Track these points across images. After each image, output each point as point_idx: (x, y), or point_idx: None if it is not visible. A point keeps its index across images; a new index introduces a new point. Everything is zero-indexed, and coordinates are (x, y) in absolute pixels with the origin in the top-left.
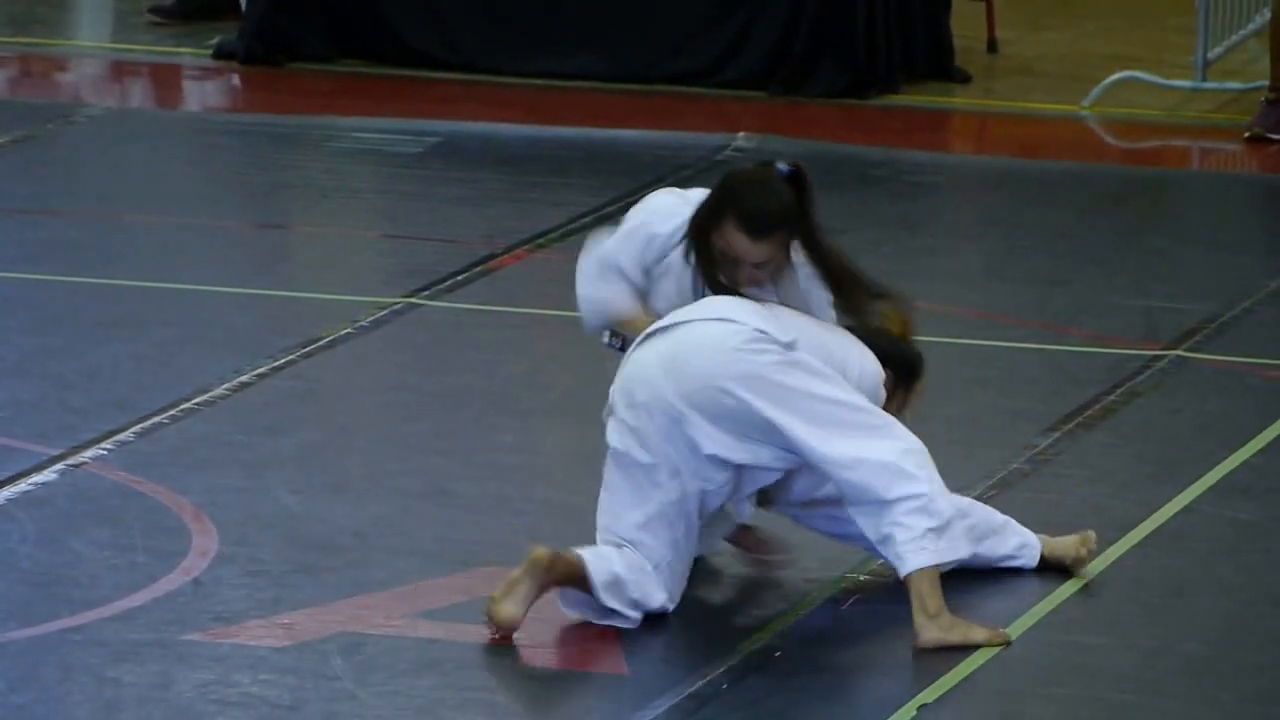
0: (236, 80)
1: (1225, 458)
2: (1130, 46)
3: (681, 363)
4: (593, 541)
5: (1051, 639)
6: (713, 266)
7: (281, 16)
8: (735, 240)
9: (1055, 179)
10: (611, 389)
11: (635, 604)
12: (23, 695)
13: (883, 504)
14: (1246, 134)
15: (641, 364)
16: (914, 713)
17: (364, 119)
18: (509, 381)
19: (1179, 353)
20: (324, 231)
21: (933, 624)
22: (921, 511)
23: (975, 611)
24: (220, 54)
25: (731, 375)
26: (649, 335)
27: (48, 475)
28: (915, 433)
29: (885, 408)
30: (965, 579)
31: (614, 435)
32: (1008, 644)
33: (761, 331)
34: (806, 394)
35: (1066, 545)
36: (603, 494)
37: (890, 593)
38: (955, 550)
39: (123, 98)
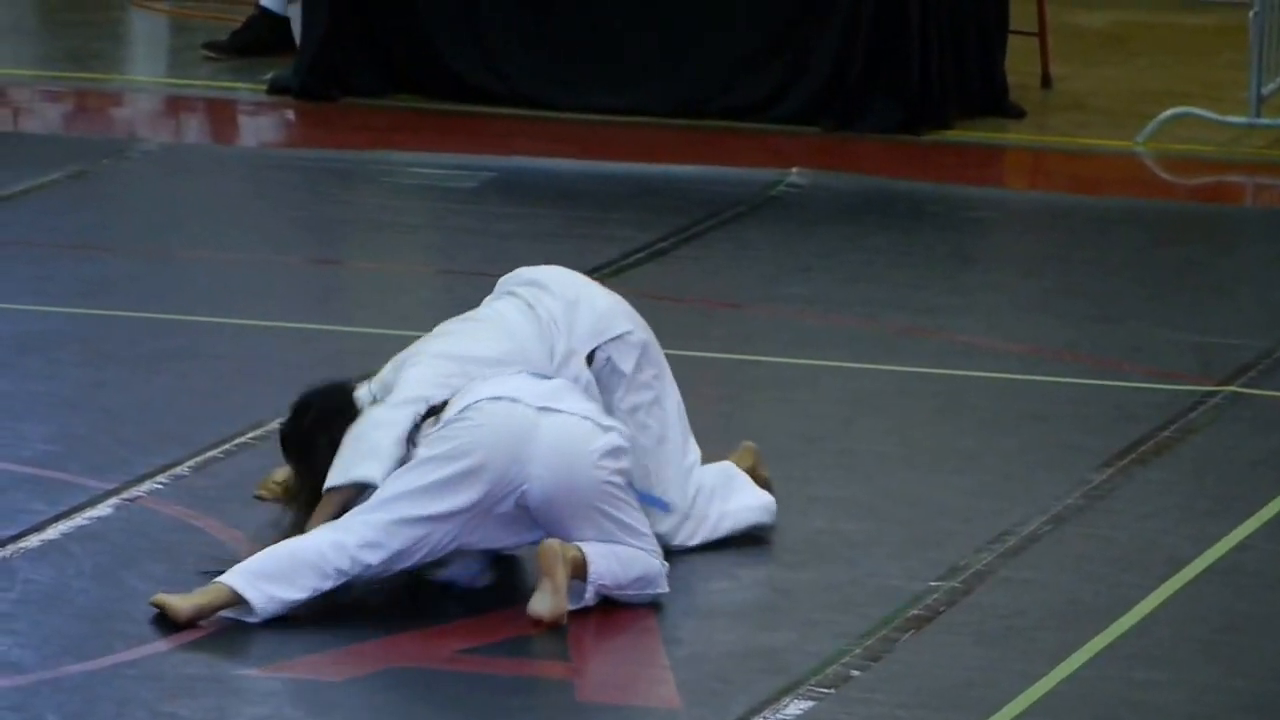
0: (291, 115)
1: None
2: (1184, 82)
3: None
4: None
5: (1106, 674)
6: None
7: (336, 52)
8: None
9: (1109, 215)
10: None
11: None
12: None
13: None
14: None
15: None
16: None
17: (419, 154)
18: None
19: (1234, 389)
20: (379, 267)
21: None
22: None
23: (1029, 643)
24: (275, 89)
25: None
26: None
27: (102, 510)
28: (968, 469)
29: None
30: (1027, 612)
31: None
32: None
33: None
34: None
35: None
36: None
37: (943, 628)
38: None
39: (177, 133)
